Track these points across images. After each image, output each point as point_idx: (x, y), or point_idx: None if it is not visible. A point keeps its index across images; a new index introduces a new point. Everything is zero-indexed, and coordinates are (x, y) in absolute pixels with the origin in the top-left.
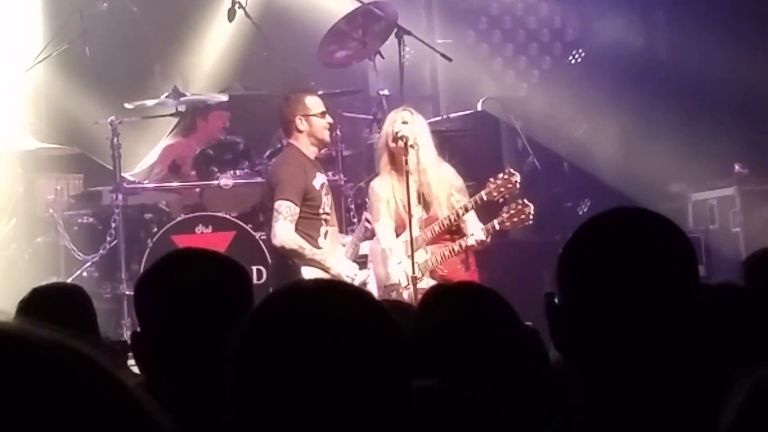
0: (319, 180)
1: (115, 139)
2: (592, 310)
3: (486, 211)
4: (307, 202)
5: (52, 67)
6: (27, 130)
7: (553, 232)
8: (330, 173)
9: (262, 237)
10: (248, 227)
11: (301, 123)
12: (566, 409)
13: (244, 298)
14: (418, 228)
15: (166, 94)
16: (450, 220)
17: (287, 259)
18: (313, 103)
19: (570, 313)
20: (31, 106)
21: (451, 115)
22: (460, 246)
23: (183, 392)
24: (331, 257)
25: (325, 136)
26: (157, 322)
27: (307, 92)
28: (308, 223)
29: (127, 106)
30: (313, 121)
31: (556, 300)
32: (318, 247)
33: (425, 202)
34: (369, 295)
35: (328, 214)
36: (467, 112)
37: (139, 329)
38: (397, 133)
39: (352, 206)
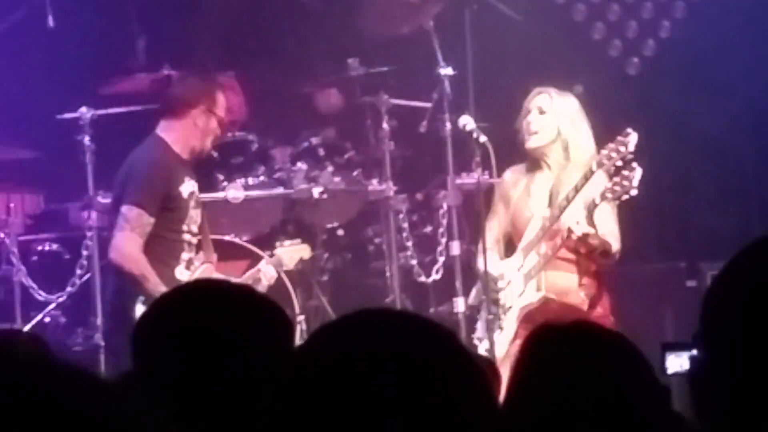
0: (189, 187)
1: (86, 139)
2: (758, 369)
3: None
4: (167, 213)
5: None
6: None
7: (676, 258)
8: (374, 180)
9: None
10: (266, 255)
11: (199, 117)
12: None
13: (282, 344)
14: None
15: None
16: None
17: (124, 285)
18: (221, 102)
19: (724, 375)
20: None
21: None
22: (561, 240)
23: None
24: None
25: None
26: (165, 376)
27: (224, 87)
28: (165, 244)
29: None
30: (212, 122)
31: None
32: (174, 280)
33: (555, 205)
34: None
35: (195, 235)
36: None
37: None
38: (464, 126)
39: (406, 225)
